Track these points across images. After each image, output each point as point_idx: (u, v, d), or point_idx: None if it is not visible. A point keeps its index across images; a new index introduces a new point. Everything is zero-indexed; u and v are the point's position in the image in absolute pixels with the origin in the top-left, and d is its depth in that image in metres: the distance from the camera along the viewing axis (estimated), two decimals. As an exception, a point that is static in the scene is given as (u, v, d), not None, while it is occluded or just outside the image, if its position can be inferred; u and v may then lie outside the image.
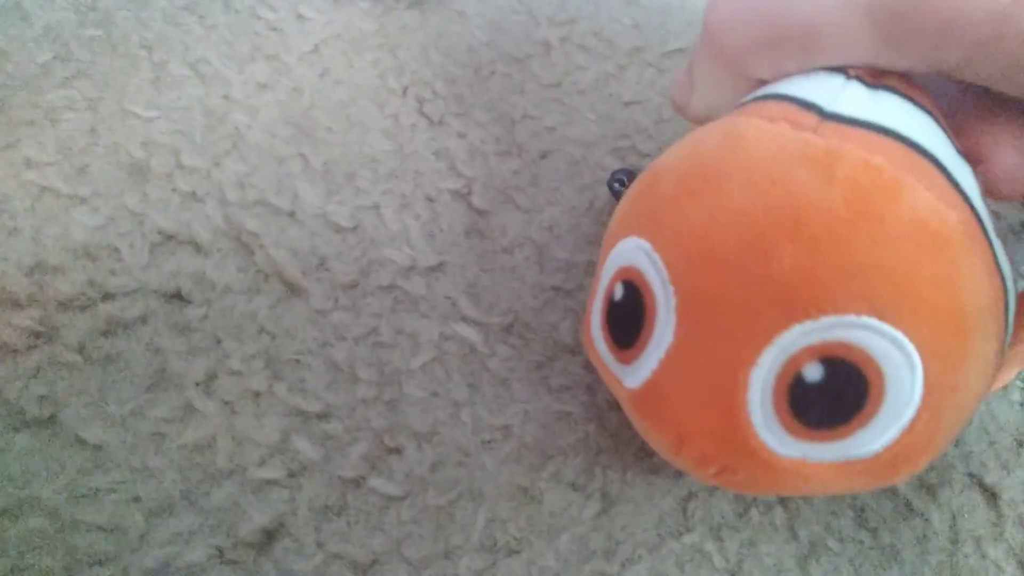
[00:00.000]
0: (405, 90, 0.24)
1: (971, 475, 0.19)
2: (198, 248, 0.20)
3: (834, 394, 0.12)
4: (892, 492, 0.19)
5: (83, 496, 0.16)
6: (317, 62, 0.24)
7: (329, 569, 0.17)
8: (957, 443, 0.19)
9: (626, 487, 0.18)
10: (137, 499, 0.17)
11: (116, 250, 0.20)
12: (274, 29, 0.24)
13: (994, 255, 0.13)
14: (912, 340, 0.12)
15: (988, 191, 0.14)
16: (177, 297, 0.19)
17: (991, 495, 0.19)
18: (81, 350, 0.18)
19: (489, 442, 0.18)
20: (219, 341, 0.19)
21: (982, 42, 0.11)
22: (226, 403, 0.18)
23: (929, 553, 0.18)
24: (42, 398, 0.17)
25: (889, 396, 0.12)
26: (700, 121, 0.17)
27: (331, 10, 0.25)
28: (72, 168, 0.21)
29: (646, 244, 0.14)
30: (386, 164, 0.22)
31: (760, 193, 0.12)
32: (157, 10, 0.24)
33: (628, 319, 0.14)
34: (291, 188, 0.21)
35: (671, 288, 0.13)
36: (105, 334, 0.18)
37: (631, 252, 0.14)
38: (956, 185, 0.13)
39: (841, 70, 0.13)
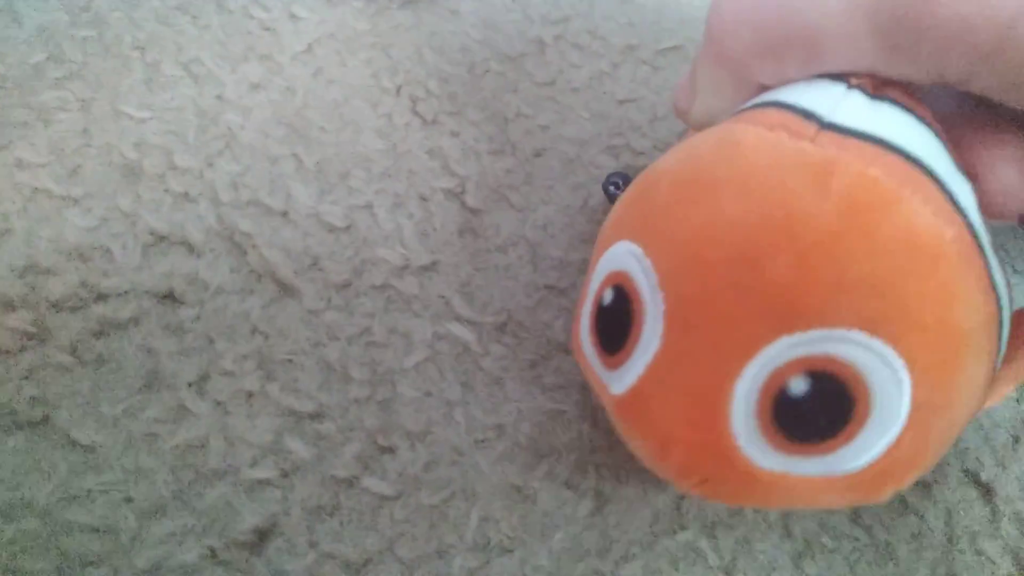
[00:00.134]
0: (398, 89, 0.24)
1: (966, 471, 0.19)
2: (191, 249, 0.20)
3: (819, 409, 0.12)
4: (887, 489, 0.19)
5: (75, 497, 0.16)
6: (310, 62, 0.24)
7: (322, 569, 0.17)
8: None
9: (620, 485, 0.18)
10: (129, 500, 0.17)
11: (109, 251, 0.19)
12: (267, 29, 0.24)
13: (989, 273, 0.13)
14: (901, 356, 0.11)
15: (984, 209, 0.13)
16: (170, 298, 0.19)
17: (987, 491, 0.19)
18: (73, 351, 0.18)
19: (482, 441, 0.18)
20: (212, 341, 0.19)
21: (985, 52, 0.11)
22: (219, 403, 0.18)
23: (924, 550, 0.18)
24: (34, 399, 0.17)
25: (875, 412, 0.12)
26: (701, 127, 0.17)
27: (324, 9, 0.25)
28: (64, 169, 0.21)
29: (638, 249, 0.14)
30: (379, 163, 0.22)
31: (754, 201, 0.12)
32: (150, 10, 0.24)
33: (616, 324, 0.14)
34: (284, 188, 0.21)
35: (660, 294, 0.13)
36: (97, 335, 0.18)
37: (622, 257, 0.14)
38: (953, 200, 0.12)
39: (843, 79, 0.13)
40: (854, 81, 0.13)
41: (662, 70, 0.26)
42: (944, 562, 0.18)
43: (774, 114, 0.13)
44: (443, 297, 0.20)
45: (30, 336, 0.18)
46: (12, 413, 0.17)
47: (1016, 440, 0.19)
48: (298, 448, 0.18)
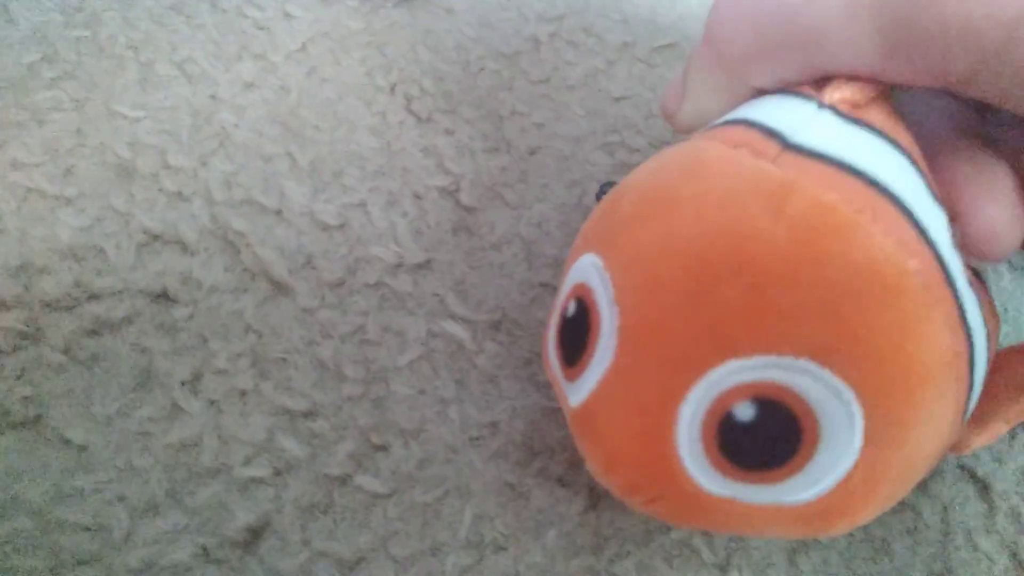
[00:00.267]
0: (393, 87, 0.24)
1: (962, 467, 0.19)
2: (184, 248, 0.20)
3: (765, 436, 0.12)
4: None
5: (68, 496, 0.16)
6: (304, 60, 0.24)
7: (315, 567, 0.16)
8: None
9: (614, 483, 0.18)
10: (122, 498, 0.17)
11: (102, 250, 0.19)
12: (261, 28, 0.24)
13: (960, 309, 0.12)
14: (853, 389, 0.11)
15: (967, 250, 0.13)
16: (163, 297, 0.19)
17: (983, 486, 0.19)
18: (67, 350, 0.18)
19: (476, 439, 0.18)
20: (205, 340, 0.19)
21: (988, 53, 0.11)
22: (212, 402, 0.18)
23: (920, 545, 0.18)
24: (27, 399, 0.17)
25: (824, 444, 0.11)
26: (688, 131, 0.17)
27: (318, 8, 0.25)
28: (58, 169, 0.21)
29: (600, 262, 0.13)
30: (373, 162, 0.22)
31: (710, 221, 0.12)
32: (144, 10, 0.24)
33: (577, 336, 0.14)
34: (278, 187, 0.21)
35: (616, 308, 0.13)
36: (91, 334, 0.18)
37: (586, 269, 0.14)
38: (922, 231, 0.12)
39: (814, 98, 0.13)
40: (827, 100, 0.13)
41: (657, 68, 0.26)
42: (940, 558, 0.18)
43: (740, 132, 0.13)
44: (437, 295, 0.20)
45: (23, 335, 0.18)
46: (5, 412, 0.17)
47: (1013, 435, 0.19)
48: (291, 446, 0.18)
